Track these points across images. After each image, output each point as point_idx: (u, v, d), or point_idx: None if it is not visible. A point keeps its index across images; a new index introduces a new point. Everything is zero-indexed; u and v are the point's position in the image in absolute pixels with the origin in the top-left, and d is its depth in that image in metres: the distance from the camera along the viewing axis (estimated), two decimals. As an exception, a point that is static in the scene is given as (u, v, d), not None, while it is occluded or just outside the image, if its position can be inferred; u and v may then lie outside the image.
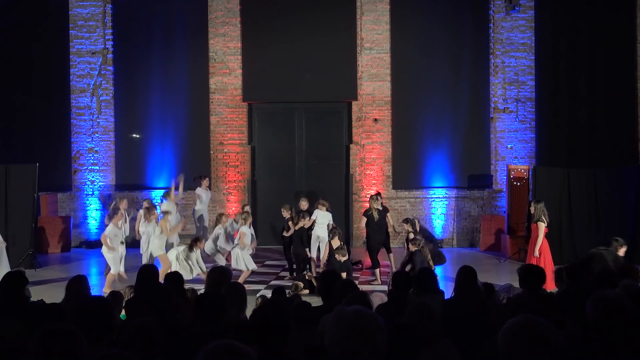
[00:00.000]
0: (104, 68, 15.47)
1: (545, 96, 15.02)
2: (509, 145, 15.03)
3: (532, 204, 10.13)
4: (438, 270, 9.33)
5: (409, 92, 15.06)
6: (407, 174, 15.09)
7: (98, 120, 15.48)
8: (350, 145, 15.11)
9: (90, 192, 15.42)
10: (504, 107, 15.04)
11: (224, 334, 3.53)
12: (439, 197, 14.96)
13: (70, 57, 15.46)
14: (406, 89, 15.05)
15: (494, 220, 14.33)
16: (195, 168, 15.20)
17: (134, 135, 15.63)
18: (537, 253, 9.36)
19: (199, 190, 13.19)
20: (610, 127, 14.84)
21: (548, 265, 9.11)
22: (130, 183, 15.36)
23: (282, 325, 3.03)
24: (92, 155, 15.49)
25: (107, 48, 15.45)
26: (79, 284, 5.48)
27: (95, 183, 15.46)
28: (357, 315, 2.37)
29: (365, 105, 15.03)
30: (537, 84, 14.99)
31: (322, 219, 10.87)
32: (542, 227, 9.41)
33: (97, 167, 15.48)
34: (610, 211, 12.55)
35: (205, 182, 13.34)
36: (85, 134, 15.50)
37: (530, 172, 13.19)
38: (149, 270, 5.80)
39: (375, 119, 15.02)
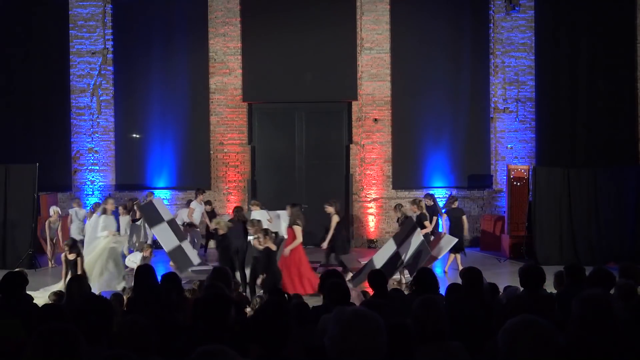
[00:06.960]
0: (104, 68, 15.47)
1: (545, 96, 15.01)
2: (509, 145, 15.02)
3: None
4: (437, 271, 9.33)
5: (409, 92, 15.05)
6: (407, 174, 15.09)
7: (98, 120, 15.47)
8: (350, 145, 15.11)
9: (90, 192, 15.41)
10: (504, 107, 15.03)
11: (224, 334, 3.53)
12: (439, 197, 14.92)
13: (70, 57, 15.45)
14: (406, 89, 15.05)
15: (494, 220, 14.33)
16: (195, 168, 15.23)
17: (134, 135, 15.63)
18: (287, 252, 9.42)
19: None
20: (610, 127, 14.83)
21: (304, 266, 9.46)
22: (130, 183, 15.36)
23: (283, 326, 3.03)
24: (92, 155, 15.48)
25: (107, 48, 15.44)
26: (78, 284, 5.48)
27: (95, 183, 15.45)
28: (357, 315, 2.38)
29: (365, 105, 15.03)
30: (537, 84, 14.98)
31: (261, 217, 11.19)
32: (299, 230, 9.46)
33: (97, 167, 15.48)
34: (610, 211, 12.55)
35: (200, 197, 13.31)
36: (85, 134, 15.50)
37: (530, 172, 13.19)
38: (146, 270, 5.80)
39: (375, 119, 15.01)
